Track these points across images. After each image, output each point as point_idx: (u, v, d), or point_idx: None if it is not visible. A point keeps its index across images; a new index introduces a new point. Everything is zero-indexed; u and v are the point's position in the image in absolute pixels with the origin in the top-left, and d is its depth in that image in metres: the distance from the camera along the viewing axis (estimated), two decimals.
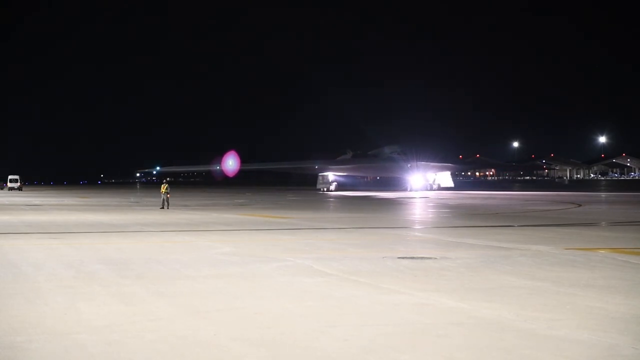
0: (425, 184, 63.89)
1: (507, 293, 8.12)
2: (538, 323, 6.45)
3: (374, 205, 33.96)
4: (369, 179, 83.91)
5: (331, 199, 43.18)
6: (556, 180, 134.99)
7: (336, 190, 64.27)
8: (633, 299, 7.60)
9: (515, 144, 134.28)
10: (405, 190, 60.48)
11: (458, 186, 68.74)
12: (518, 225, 18.99)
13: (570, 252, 12.14)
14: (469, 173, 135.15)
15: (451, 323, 6.52)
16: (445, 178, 66.39)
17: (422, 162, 62.89)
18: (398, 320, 6.66)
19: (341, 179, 69.70)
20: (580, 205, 31.25)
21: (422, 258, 11.44)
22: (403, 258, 11.42)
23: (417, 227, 19.37)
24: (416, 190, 59.03)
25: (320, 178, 67.22)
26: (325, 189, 64.36)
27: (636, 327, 6.21)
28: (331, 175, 67.36)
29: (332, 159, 70.95)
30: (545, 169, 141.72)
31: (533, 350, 5.51)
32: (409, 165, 63.04)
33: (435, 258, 11.43)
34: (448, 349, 5.60)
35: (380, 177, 79.71)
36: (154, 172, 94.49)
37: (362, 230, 17.97)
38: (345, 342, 5.80)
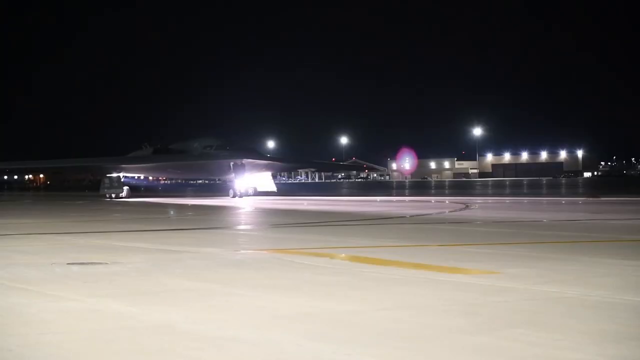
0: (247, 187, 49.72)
1: (178, 296, 8.22)
2: (207, 324, 6.59)
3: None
4: (152, 179, 68.10)
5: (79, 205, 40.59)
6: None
7: (129, 196, 51.59)
8: (297, 298, 8.00)
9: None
10: (228, 195, 48.13)
11: (284, 190, 60.55)
12: (190, 229, 19.21)
13: (240, 254, 12.57)
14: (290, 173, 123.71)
15: (121, 328, 6.48)
16: (265, 180, 51.57)
17: (249, 160, 48.52)
18: (64, 328, 6.49)
19: (132, 181, 56.93)
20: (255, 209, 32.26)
21: (93, 263, 11.21)
22: (73, 264, 11.12)
23: (83, 232, 18.89)
24: (242, 196, 47.03)
25: (106, 181, 51.76)
26: (113, 195, 50.64)
27: (299, 325, 6.53)
28: (120, 177, 53.06)
29: (123, 155, 56.32)
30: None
31: (200, 352, 5.64)
32: (231, 163, 48.07)
33: (107, 263, 11.26)
34: (119, 355, 5.56)
35: (186, 179, 64.88)
36: None
37: (33, 236, 17.15)
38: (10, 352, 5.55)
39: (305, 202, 39.39)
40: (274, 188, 50.89)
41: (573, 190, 60.77)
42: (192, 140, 52.32)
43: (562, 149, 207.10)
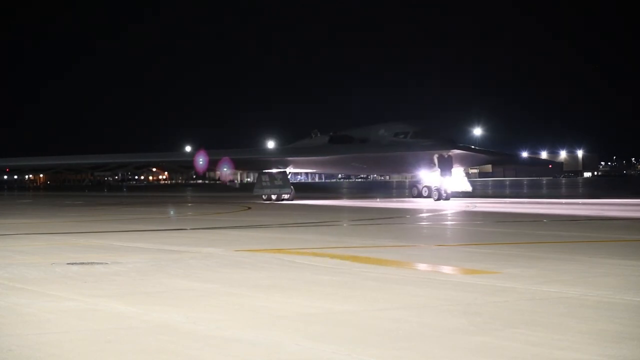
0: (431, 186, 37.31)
1: (177, 296, 8.23)
2: (206, 324, 6.60)
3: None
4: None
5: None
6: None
7: (293, 197, 38.22)
8: (296, 298, 8.00)
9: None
10: (428, 197, 37.45)
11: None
12: (190, 229, 19.21)
13: (239, 254, 12.53)
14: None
15: (121, 328, 6.49)
16: (457, 177, 37.89)
17: (457, 152, 36.01)
18: (64, 328, 6.49)
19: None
20: (249, 208, 32.19)
21: (92, 263, 11.21)
22: (73, 264, 11.12)
23: (86, 232, 18.89)
24: (448, 197, 36.18)
25: (264, 178, 37.75)
26: (273, 197, 37.30)
27: (299, 325, 6.53)
28: (287, 173, 39.38)
29: (284, 145, 43.51)
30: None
31: (200, 351, 5.64)
32: (436, 156, 35.86)
33: (107, 263, 11.26)
34: (119, 355, 5.56)
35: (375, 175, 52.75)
36: None
37: (33, 236, 17.16)
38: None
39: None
40: (468, 187, 38.85)
41: (573, 190, 60.76)
42: (375, 126, 39.40)
43: (562, 149, 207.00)
